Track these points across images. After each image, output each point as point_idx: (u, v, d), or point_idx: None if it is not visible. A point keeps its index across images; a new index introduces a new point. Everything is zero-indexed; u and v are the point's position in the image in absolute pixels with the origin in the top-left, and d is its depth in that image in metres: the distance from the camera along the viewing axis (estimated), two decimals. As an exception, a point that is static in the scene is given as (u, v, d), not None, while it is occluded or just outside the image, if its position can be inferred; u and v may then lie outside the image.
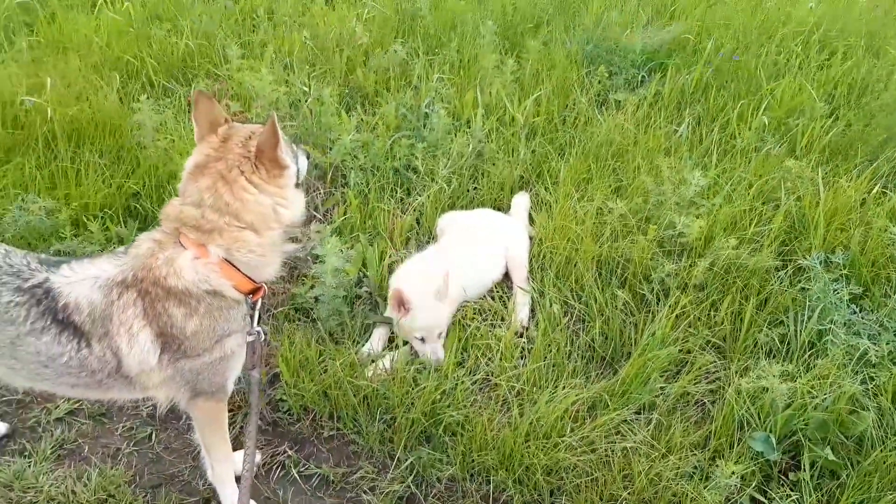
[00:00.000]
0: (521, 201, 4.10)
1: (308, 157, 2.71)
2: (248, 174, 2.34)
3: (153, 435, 3.08)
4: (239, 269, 2.36)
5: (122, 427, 3.10)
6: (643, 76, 5.06)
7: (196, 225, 2.32)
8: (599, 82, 4.97)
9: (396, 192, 4.20)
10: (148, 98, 4.18)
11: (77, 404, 3.15)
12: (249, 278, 2.38)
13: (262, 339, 2.49)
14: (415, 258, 3.66)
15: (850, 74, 4.93)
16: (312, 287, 3.50)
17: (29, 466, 2.88)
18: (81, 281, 2.32)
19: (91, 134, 4.19)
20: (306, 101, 4.65)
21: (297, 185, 2.51)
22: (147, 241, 2.37)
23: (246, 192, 2.33)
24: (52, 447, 2.98)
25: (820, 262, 3.48)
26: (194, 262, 2.30)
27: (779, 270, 3.65)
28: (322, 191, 4.21)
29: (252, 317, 2.45)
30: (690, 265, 3.58)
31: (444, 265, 3.44)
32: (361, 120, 4.70)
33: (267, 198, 2.37)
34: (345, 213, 4.00)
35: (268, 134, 2.33)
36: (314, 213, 4.06)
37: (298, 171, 2.52)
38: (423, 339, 3.29)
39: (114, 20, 5.08)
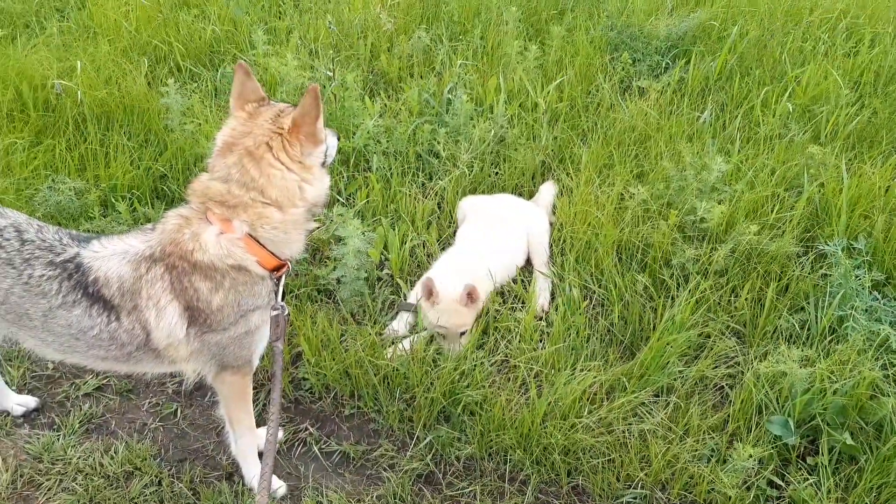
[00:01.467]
0: (547, 189, 4.11)
1: (337, 139, 2.74)
2: (276, 150, 2.37)
3: (178, 411, 3.15)
4: (263, 246, 2.40)
5: (149, 403, 3.18)
6: (667, 63, 5.04)
7: (222, 200, 2.36)
8: (623, 69, 4.97)
9: (418, 177, 4.24)
10: (175, 82, 4.24)
11: (105, 380, 3.23)
12: (274, 255, 2.42)
13: (286, 313, 2.54)
14: (444, 258, 3.69)
15: (878, 62, 4.87)
16: (335, 268, 3.55)
17: (58, 439, 2.97)
18: (111, 256, 2.38)
19: (120, 117, 4.27)
20: (330, 86, 4.70)
21: (324, 165, 2.53)
22: (174, 217, 2.42)
23: (272, 167, 2.36)
24: (81, 421, 3.06)
25: (842, 249, 3.46)
26: (219, 237, 2.35)
27: (800, 257, 3.64)
28: (345, 175, 4.25)
29: (276, 292, 2.50)
30: (711, 250, 3.58)
31: (472, 265, 3.50)
32: (385, 105, 4.73)
33: (293, 174, 2.39)
34: (367, 197, 4.05)
35: (309, 105, 2.33)
36: (337, 196, 4.10)
37: (327, 149, 2.53)
38: (444, 336, 3.33)
39: (142, 6, 5.15)
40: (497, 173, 4.32)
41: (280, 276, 2.49)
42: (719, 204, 3.71)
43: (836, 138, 4.28)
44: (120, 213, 3.70)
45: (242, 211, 2.36)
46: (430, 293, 3.33)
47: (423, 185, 4.22)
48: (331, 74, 4.71)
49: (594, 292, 3.57)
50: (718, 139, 4.31)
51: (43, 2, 5.27)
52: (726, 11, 5.35)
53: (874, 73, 4.82)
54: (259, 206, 2.36)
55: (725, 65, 4.86)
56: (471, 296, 3.31)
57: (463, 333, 3.33)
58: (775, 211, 3.77)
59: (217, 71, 4.79)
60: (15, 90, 4.31)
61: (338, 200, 4.07)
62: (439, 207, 4.10)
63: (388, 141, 4.40)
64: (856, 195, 3.78)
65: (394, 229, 3.84)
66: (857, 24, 5.26)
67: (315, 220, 2.56)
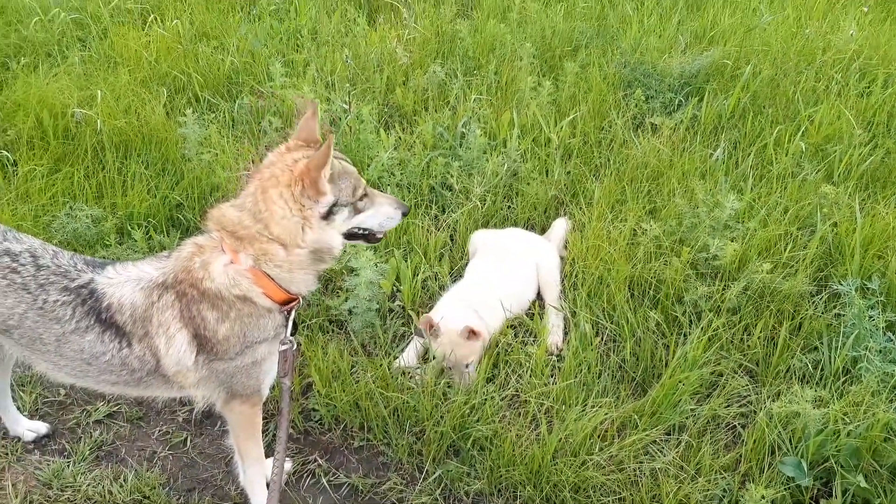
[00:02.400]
0: (559, 225, 4.13)
1: (404, 214, 2.66)
2: (282, 187, 2.35)
3: (188, 440, 3.15)
4: (272, 279, 2.40)
5: (159, 431, 3.18)
6: (680, 100, 5.07)
7: (232, 230, 2.38)
8: (636, 105, 5.00)
9: (431, 210, 4.26)
10: (193, 113, 4.30)
11: (116, 407, 3.24)
12: (283, 289, 2.43)
13: (295, 348, 2.54)
14: (454, 290, 3.70)
15: (891, 102, 4.89)
16: (346, 299, 3.56)
17: (68, 466, 2.97)
18: (124, 282, 2.41)
19: (138, 146, 4.33)
20: (346, 119, 4.75)
21: (327, 218, 2.42)
22: (190, 245, 2.45)
23: (275, 204, 2.34)
24: (91, 448, 3.06)
25: (855, 289, 3.45)
26: (227, 267, 2.36)
27: (813, 296, 3.62)
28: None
29: (286, 326, 2.50)
30: (724, 288, 3.58)
31: (482, 298, 3.51)
32: (399, 138, 4.78)
33: (294, 216, 2.36)
34: (380, 229, 4.06)
35: (320, 154, 2.31)
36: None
37: (337, 204, 2.42)
38: (450, 367, 3.33)
39: (162, 37, 5.24)
40: (510, 207, 4.34)
41: (289, 311, 2.49)
42: (732, 241, 3.71)
43: (849, 178, 4.28)
44: (136, 240, 3.73)
45: (248, 244, 2.36)
46: (430, 328, 3.34)
47: (435, 217, 4.24)
48: (347, 107, 4.76)
49: (606, 328, 3.56)
50: (731, 177, 4.32)
51: (65, 31, 5.37)
52: (739, 50, 5.39)
53: (887, 114, 4.83)
54: (264, 241, 2.36)
55: (738, 103, 4.89)
56: (472, 332, 3.30)
57: (468, 365, 3.32)
58: (788, 249, 3.77)
59: (235, 102, 4.85)
60: (36, 118, 4.39)
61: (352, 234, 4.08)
62: (452, 240, 4.12)
63: (402, 173, 4.43)
64: (869, 235, 3.78)
65: (406, 261, 3.85)
66: (870, 64, 5.29)
67: (326, 263, 2.50)
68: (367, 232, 2.59)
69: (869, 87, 5.10)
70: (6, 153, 4.18)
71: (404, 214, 2.65)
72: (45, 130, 4.34)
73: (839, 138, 4.54)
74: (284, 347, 2.50)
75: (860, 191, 4.19)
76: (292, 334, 2.52)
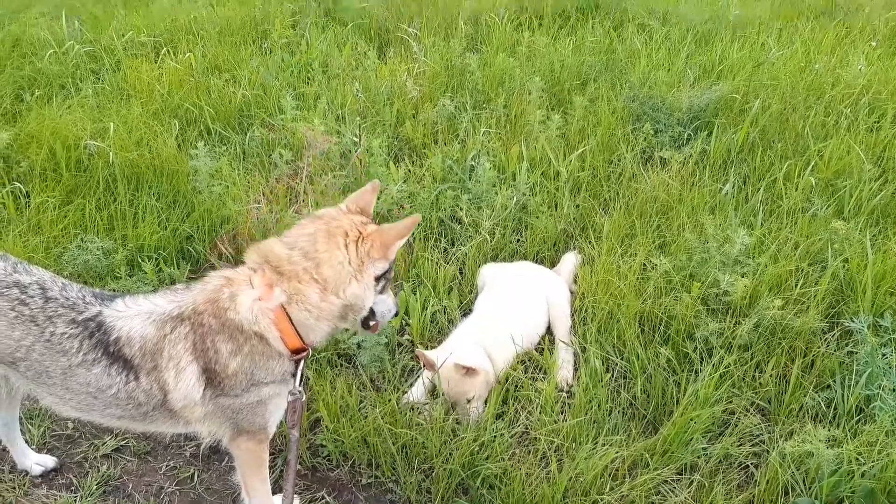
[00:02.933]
0: (569, 259, 4.12)
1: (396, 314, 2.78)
2: (349, 240, 2.44)
3: (195, 475, 3.13)
4: (291, 322, 2.42)
5: (166, 466, 3.16)
6: (689, 134, 5.08)
7: (277, 264, 2.42)
8: (645, 139, 5.01)
9: (440, 243, 4.26)
10: (205, 145, 4.33)
11: (123, 441, 3.22)
12: (298, 335, 2.44)
13: (303, 399, 2.54)
14: (463, 325, 3.68)
15: (900, 137, 4.90)
16: (355, 333, 3.55)
17: (75, 501, 2.95)
18: (135, 316, 2.41)
19: (149, 178, 4.36)
20: (356, 151, 4.77)
21: (378, 283, 2.54)
22: (218, 278, 2.47)
23: (338, 249, 2.42)
24: (98, 483, 3.04)
25: (868, 326, 3.42)
26: (255, 301, 2.38)
27: (826, 333, 3.59)
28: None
29: (294, 376, 2.50)
30: (735, 324, 3.55)
31: (490, 333, 3.50)
32: (409, 171, 4.80)
33: (350, 267, 2.43)
34: (389, 263, 4.06)
35: (403, 226, 2.48)
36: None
37: (385, 274, 2.56)
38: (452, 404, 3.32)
39: (175, 69, 5.30)
40: (519, 240, 4.34)
41: (299, 360, 2.50)
42: (742, 277, 3.69)
43: (859, 213, 4.27)
44: (146, 272, 3.74)
45: (288, 280, 2.39)
46: (428, 365, 3.33)
47: (444, 250, 4.24)
48: (357, 140, 4.79)
49: (616, 364, 3.53)
50: (741, 211, 4.31)
51: (79, 63, 5.43)
52: (748, 85, 5.41)
53: (897, 149, 4.83)
54: (305, 281, 2.39)
55: (748, 137, 4.89)
56: (467, 369, 3.28)
57: (470, 401, 3.30)
58: (800, 286, 3.75)
59: (246, 134, 4.89)
60: (49, 149, 4.43)
61: (360, 264, 4.08)
62: (461, 273, 4.11)
63: (411, 206, 4.44)
64: (881, 271, 3.75)
65: (415, 294, 3.85)
66: (880, 99, 5.30)
67: (346, 323, 2.56)
68: (370, 315, 2.62)
69: (878, 122, 5.11)
70: (19, 185, 4.21)
71: (395, 315, 2.74)
72: (58, 162, 4.38)
73: (849, 173, 4.54)
74: (292, 398, 2.50)
75: (871, 226, 4.16)
76: (300, 385, 2.52)
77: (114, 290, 3.63)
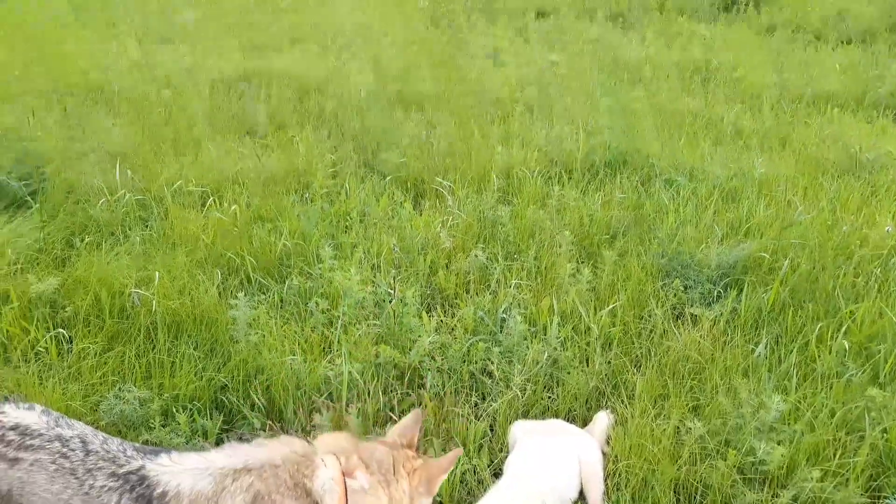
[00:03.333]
0: (601, 418, 4.09)
1: None
2: (408, 473, 2.63)
3: None
4: None
5: None
6: (719, 291, 5.13)
7: (367, 464, 2.57)
8: (675, 295, 5.07)
9: (471, 397, 4.27)
10: (245, 295, 4.46)
11: None
12: None
13: None
14: (492, 491, 3.61)
15: (934, 300, 4.90)
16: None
17: None
18: (184, 471, 2.43)
19: (189, 327, 4.47)
20: (390, 302, 4.88)
21: None
22: (300, 444, 2.58)
23: (404, 479, 2.61)
24: None
25: (911, 504, 3.32)
26: (332, 477, 2.44)
27: (867, 508, 3.49)
28: (399, 391, 4.31)
29: None
30: (773, 496, 3.47)
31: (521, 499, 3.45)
32: (441, 321, 4.87)
33: (406, 496, 2.61)
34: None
35: (446, 462, 2.72)
36: (390, 412, 4.14)
37: None
38: None
39: (220, 219, 5.53)
40: (550, 397, 4.33)
41: None
42: (778, 444, 3.63)
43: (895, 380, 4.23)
44: (179, 423, 3.77)
45: (371, 476, 2.54)
46: None
47: (475, 405, 4.24)
48: (392, 292, 4.91)
49: (649, 533, 3.44)
50: (774, 375, 4.29)
51: (129, 211, 5.69)
52: (776, 243, 5.49)
53: (930, 312, 4.82)
54: (379, 489, 2.53)
55: (778, 297, 4.93)
56: None
57: None
58: (838, 456, 3.67)
59: (284, 283, 5.03)
60: (95, 296, 4.59)
61: (390, 418, 4.09)
62: (491, 430, 4.09)
63: (442, 358, 4.49)
64: (922, 443, 3.68)
65: (444, 451, 3.82)
66: (910, 260, 5.34)
67: None
68: None
69: (910, 284, 5.13)
70: (62, 331, 4.34)
71: None
72: (102, 308, 4.53)
73: (883, 337, 4.52)
74: None
75: (909, 394, 4.11)
76: None
77: (146, 442, 3.67)
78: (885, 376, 4.26)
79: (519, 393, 4.24)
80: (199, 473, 2.43)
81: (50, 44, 10.25)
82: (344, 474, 2.51)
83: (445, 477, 2.73)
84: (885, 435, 3.78)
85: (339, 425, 3.92)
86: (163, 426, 3.83)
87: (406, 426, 2.84)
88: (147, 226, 5.66)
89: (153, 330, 4.44)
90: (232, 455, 2.49)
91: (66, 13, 12.16)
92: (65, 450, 2.46)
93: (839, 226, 5.75)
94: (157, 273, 4.71)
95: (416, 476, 2.64)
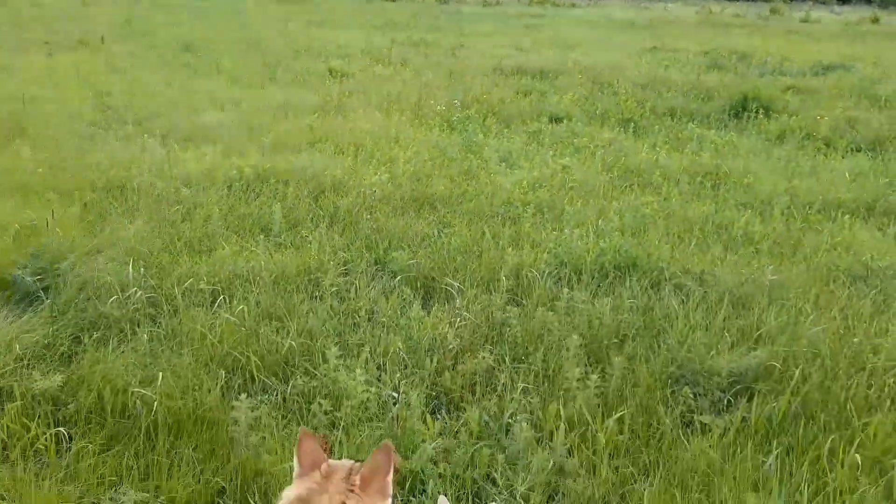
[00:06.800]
0: None
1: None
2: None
3: None
4: None
5: None
6: (729, 399, 5.05)
7: None
8: (684, 402, 4.98)
9: (474, 505, 4.17)
10: (247, 395, 4.43)
11: None
12: None
13: None
14: None
15: (949, 415, 4.78)
16: None
17: None
18: None
19: (189, 427, 4.43)
20: (395, 405, 4.83)
21: None
22: None
23: None
24: None
25: None
26: None
27: None
28: (400, 497, 4.21)
29: None
30: None
31: None
32: (445, 424, 4.81)
33: None
34: (421, 528, 3.97)
35: (379, 461, 2.48)
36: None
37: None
38: None
39: (227, 320, 5.56)
40: (554, 509, 4.21)
41: None
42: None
43: (913, 497, 4.09)
44: (173, 530, 3.70)
45: None
46: None
47: (477, 514, 4.13)
48: (396, 396, 4.87)
49: None
50: (785, 490, 4.16)
51: (139, 308, 5.75)
52: (787, 351, 5.43)
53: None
54: None
55: (789, 407, 4.83)
56: None
57: None
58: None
59: (288, 383, 5.01)
60: (97, 394, 4.58)
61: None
62: (492, 542, 3.97)
63: (445, 464, 4.40)
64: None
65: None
66: (926, 371, 5.24)
67: None
68: None
69: (927, 398, 5.02)
70: (62, 429, 4.32)
71: None
72: (104, 407, 4.51)
73: (897, 451, 4.40)
74: None
75: (927, 515, 3.97)
76: None
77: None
78: (901, 494, 4.12)
79: (522, 502, 4.13)
80: None
81: (73, 142, 10.62)
82: None
83: (391, 475, 2.48)
84: (902, 557, 3.63)
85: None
86: (157, 532, 3.76)
87: (307, 456, 2.55)
88: (156, 323, 5.70)
89: (153, 430, 4.40)
90: None
91: (91, 112, 12.64)
92: None
93: (851, 335, 5.69)
94: (160, 374, 4.71)
95: (364, 494, 2.43)
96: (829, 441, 4.47)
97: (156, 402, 4.45)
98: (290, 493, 2.55)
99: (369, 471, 2.47)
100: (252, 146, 10.70)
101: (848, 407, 4.81)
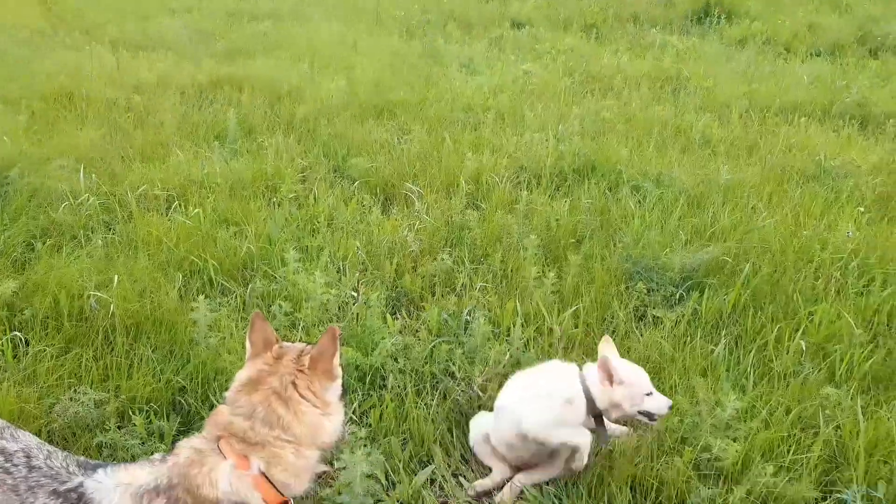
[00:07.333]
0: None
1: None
2: (302, 388, 2.53)
3: None
4: (272, 483, 2.43)
5: None
6: (682, 294, 5.17)
7: (243, 436, 2.46)
8: (638, 297, 5.10)
9: (433, 397, 4.26)
10: (206, 298, 4.43)
11: None
12: (279, 492, 2.45)
13: None
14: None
15: (890, 302, 4.96)
16: (340, 493, 3.50)
17: None
18: (115, 487, 2.40)
19: (148, 329, 4.44)
20: (354, 306, 4.87)
21: (341, 399, 2.68)
22: (187, 450, 2.48)
23: (300, 404, 2.51)
24: None
25: (861, 496, 3.35)
26: (231, 473, 2.39)
27: (819, 502, 3.52)
28: (360, 392, 4.30)
29: None
30: (727, 491, 3.49)
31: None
32: (405, 324, 4.88)
33: (317, 409, 2.54)
34: (380, 418, 4.06)
35: (325, 344, 2.56)
36: (352, 415, 4.12)
37: (344, 389, 2.69)
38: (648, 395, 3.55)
39: (183, 223, 5.50)
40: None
41: None
42: (734, 442, 3.66)
43: (850, 378, 4.27)
44: (136, 426, 3.74)
45: (261, 448, 2.43)
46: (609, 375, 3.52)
47: (437, 405, 4.23)
48: (356, 294, 4.90)
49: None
50: (732, 374, 4.32)
51: (93, 215, 5.66)
52: (739, 247, 5.55)
53: (888, 314, 4.88)
54: (278, 446, 2.44)
55: (739, 299, 4.97)
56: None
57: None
58: (792, 452, 3.70)
59: (247, 286, 5.01)
60: (53, 299, 4.54)
61: (351, 419, 4.09)
62: (451, 432, 4.08)
63: (405, 360, 4.49)
64: (873, 439, 3.72)
65: (404, 450, 3.83)
66: (868, 264, 5.40)
67: (323, 464, 2.61)
68: None
69: (868, 287, 5.19)
70: (18, 334, 4.29)
71: None
72: (61, 311, 4.49)
73: (839, 338, 4.57)
74: None
75: (862, 393, 4.16)
76: None
77: (101, 445, 3.63)
78: (840, 376, 4.30)
79: (480, 393, 4.24)
80: (124, 490, 2.38)
81: (18, 51, 10.20)
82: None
83: (338, 356, 2.58)
84: (838, 431, 3.82)
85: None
86: (119, 428, 3.80)
87: (257, 335, 2.62)
88: (110, 229, 5.62)
89: (112, 332, 4.40)
90: (150, 471, 2.44)
91: (37, 19, 12.11)
92: (8, 465, 2.42)
93: (801, 230, 5.82)
94: (115, 277, 4.67)
95: (315, 375, 2.54)
96: (775, 330, 4.63)
97: (112, 305, 4.43)
98: (241, 374, 2.59)
99: (317, 353, 2.52)
100: (205, 53, 10.38)
101: (795, 298, 4.96)
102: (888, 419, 3.86)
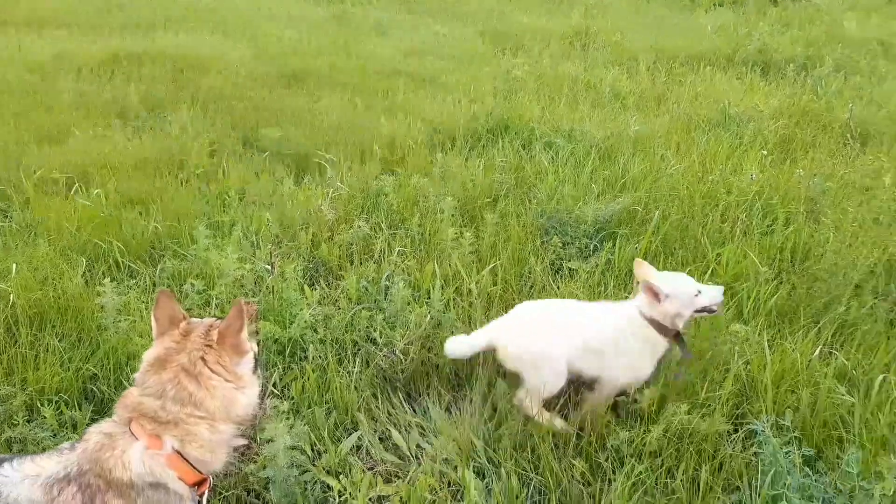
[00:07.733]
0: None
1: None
2: (211, 363, 2.47)
3: None
4: (188, 461, 2.39)
5: None
6: (595, 245, 5.26)
7: (154, 416, 2.40)
8: (553, 251, 5.16)
9: (355, 364, 4.24)
10: (112, 281, 4.28)
11: None
12: (196, 469, 2.41)
13: None
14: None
15: (792, 239, 5.15)
16: (265, 466, 3.46)
17: None
18: (22, 480, 2.31)
19: (52, 317, 4.26)
20: (269, 279, 4.78)
21: (255, 373, 2.63)
22: (96, 435, 2.41)
23: (210, 380, 2.46)
24: None
25: (770, 426, 3.49)
26: (143, 453, 2.33)
27: (731, 435, 3.66)
28: (280, 365, 4.24)
29: None
30: (644, 432, 3.59)
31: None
32: (324, 293, 4.82)
33: (229, 384, 2.49)
34: (303, 389, 4.02)
35: (232, 318, 2.50)
36: (272, 388, 4.07)
37: (257, 361, 2.65)
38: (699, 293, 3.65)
39: (85, 206, 5.29)
40: (430, 358, 4.34)
41: (202, 493, 2.46)
42: (649, 385, 3.76)
43: (758, 315, 4.43)
44: (45, 418, 3.61)
45: (174, 426, 2.38)
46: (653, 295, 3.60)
47: (359, 372, 4.21)
48: (269, 267, 4.81)
49: (532, 480, 3.51)
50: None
51: (-13, 204, 5.39)
52: (649, 196, 5.67)
53: (790, 251, 5.07)
54: (191, 423, 2.39)
55: (650, 246, 5.09)
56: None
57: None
58: (705, 390, 3.83)
59: (157, 267, 4.87)
60: (-56, 291, 4.32)
61: (272, 392, 4.03)
62: (375, 397, 4.07)
63: (325, 329, 4.44)
64: (779, 371, 3.88)
65: (327, 420, 3.80)
66: (771, 204, 5.60)
67: (242, 437, 2.57)
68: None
69: (771, 226, 5.38)
70: None
71: None
72: (-46, 304, 4.27)
73: (746, 276, 4.74)
74: None
75: (769, 328, 4.33)
76: None
77: (9, 440, 3.49)
78: (748, 312, 4.46)
79: (401, 356, 4.24)
80: (31, 483, 2.30)
81: None
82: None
83: (246, 329, 2.54)
84: (747, 366, 3.97)
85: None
86: (28, 422, 3.66)
87: (162, 313, 2.57)
88: (6, 216, 5.36)
89: (14, 324, 4.21)
90: (59, 461, 2.36)
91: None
92: None
93: (708, 176, 5.98)
94: (14, 265, 4.46)
95: (224, 349, 2.50)
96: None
97: (12, 295, 4.24)
98: (149, 354, 2.52)
99: (225, 327, 2.47)
100: (102, 27, 9.93)
101: (703, 241, 5.11)
102: (793, 350, 4.03)
